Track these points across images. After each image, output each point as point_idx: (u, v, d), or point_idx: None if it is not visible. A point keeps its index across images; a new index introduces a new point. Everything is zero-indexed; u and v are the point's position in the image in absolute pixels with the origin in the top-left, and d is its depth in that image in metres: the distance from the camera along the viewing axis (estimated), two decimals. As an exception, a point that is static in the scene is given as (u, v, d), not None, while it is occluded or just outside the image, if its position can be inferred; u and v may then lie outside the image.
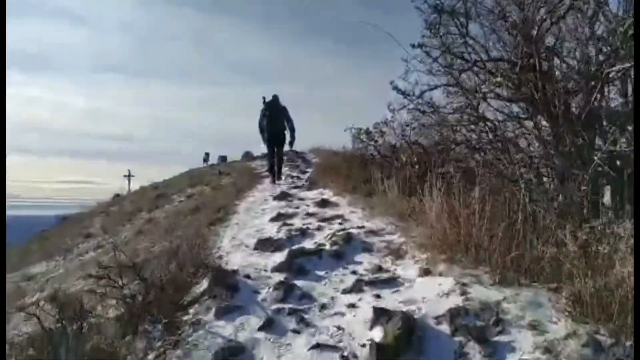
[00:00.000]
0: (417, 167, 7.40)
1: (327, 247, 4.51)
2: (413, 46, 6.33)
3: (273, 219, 6.44)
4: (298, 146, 13.21)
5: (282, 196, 7.89)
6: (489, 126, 5.68)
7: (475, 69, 5.59)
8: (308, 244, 4.87)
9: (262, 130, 9.51)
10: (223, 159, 19.46)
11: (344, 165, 9.05)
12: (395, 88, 6.42)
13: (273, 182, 9.73)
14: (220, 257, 5.12)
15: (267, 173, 10.71)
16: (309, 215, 6.29)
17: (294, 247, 4.83)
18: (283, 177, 10.36)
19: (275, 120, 9.31)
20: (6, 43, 4.16)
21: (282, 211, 6.80)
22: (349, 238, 4.63)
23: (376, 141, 8.76)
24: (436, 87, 6.39)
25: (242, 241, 5.66)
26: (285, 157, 11.00)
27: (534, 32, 4.78)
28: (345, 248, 4.45)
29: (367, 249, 4.41)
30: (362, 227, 5.07)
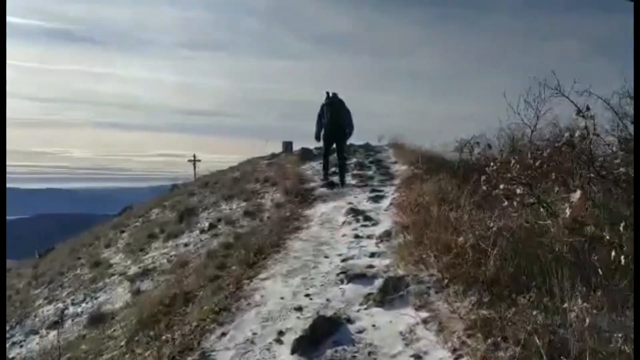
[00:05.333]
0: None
1: None
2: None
3: None
4: (374, 135, 11.48)
5: (319, 337, 3.20)
6: None
7: None
8: None
9: (320, 125, 8.76)
10: (288, 146, 15.88)
11: (464, 222, 3.96)
12: None
13: (330, 187, 8.50)
14: None
15: (323, 186, 8.79)
16: None
17: None
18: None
19: (337, 114, 8.63)
20: (6, 43, 3.86)
21: None
22: None
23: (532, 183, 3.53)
24: None
25: None
26: (347, 160, 9.39)
27: None
28: None
29: None
30: None
